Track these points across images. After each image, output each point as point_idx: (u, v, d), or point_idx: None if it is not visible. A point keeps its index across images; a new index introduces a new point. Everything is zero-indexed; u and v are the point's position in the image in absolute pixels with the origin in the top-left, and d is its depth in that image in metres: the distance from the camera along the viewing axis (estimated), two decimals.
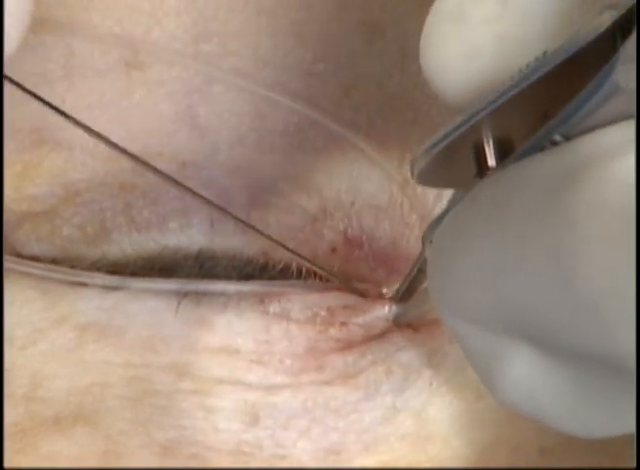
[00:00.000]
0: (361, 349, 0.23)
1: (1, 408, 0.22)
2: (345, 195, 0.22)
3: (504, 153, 0.17)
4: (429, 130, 0.22)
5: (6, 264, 0.22)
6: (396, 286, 0.23)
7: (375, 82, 0.22)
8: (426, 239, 0.19)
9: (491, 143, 0.17)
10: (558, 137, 0.16)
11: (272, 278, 0.23)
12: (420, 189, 0.22)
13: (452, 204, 0.18)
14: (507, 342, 0.16)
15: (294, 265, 0.23)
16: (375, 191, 0.23)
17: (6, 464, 0.22)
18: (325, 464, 0.23)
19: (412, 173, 0.18)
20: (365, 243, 0.23)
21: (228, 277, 0.23)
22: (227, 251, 0.22)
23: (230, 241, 0.22)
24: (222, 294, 0.22)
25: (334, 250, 0.23)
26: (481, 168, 0.17)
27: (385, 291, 0.23)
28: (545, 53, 0.16)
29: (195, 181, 0.22)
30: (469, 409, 0.23)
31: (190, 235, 0.22)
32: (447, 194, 0.22)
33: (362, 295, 0.23)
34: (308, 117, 0.22)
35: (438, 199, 0.22)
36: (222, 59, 0.21)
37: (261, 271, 0.23)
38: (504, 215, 0.15)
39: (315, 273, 0.23)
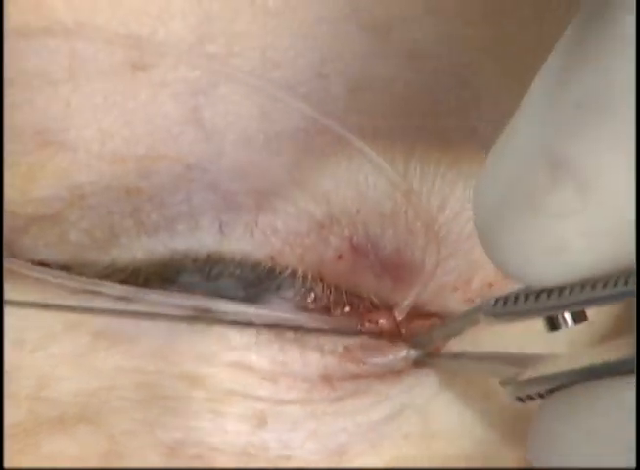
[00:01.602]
0: (377, 378, 0.23)
1: (1, 408, 0.22)
2: (351, 201, 0.22)
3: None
4: (435, 136, 0.21)
5: (17, 270, 0.22)
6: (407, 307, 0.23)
7: (382, 84, 0.21)
8: (512, 393, 0.19)
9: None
10: None
11: (279, 285, 0.23)
12: (424, 198, 0.22)
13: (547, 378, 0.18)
14: None
15: (300, 272, 0.22)
16: (380, 198, 0.22)
17: (7, 464, 0.22)
18: (330, 463, 0.23)
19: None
20: (370, 251, 0.22)
21: (236, 281, 0.22)
22: (235, 254, 0.22)
23: (238, 244, 0.22)
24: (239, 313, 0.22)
25: (340, 257, 0.22)
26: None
27: (403, 331, 0.23)
28: None
29: (200, 184, 0.21)
30: (475, 408, 0.23)
31: (199, 238, 0.22)
32: (451, 204, 0.21)
33: (378, 334, 0.23)
34: (315, 120, 0.21)
35: (442, 208, 0.22)
36: (228, 59, 0.21)
37: (268, 276, 0.22)
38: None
39: (322, 280, 0.22)
